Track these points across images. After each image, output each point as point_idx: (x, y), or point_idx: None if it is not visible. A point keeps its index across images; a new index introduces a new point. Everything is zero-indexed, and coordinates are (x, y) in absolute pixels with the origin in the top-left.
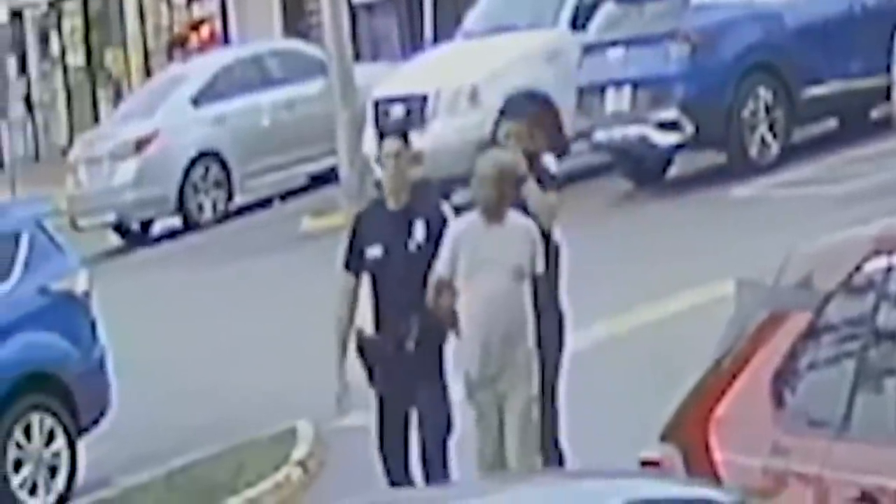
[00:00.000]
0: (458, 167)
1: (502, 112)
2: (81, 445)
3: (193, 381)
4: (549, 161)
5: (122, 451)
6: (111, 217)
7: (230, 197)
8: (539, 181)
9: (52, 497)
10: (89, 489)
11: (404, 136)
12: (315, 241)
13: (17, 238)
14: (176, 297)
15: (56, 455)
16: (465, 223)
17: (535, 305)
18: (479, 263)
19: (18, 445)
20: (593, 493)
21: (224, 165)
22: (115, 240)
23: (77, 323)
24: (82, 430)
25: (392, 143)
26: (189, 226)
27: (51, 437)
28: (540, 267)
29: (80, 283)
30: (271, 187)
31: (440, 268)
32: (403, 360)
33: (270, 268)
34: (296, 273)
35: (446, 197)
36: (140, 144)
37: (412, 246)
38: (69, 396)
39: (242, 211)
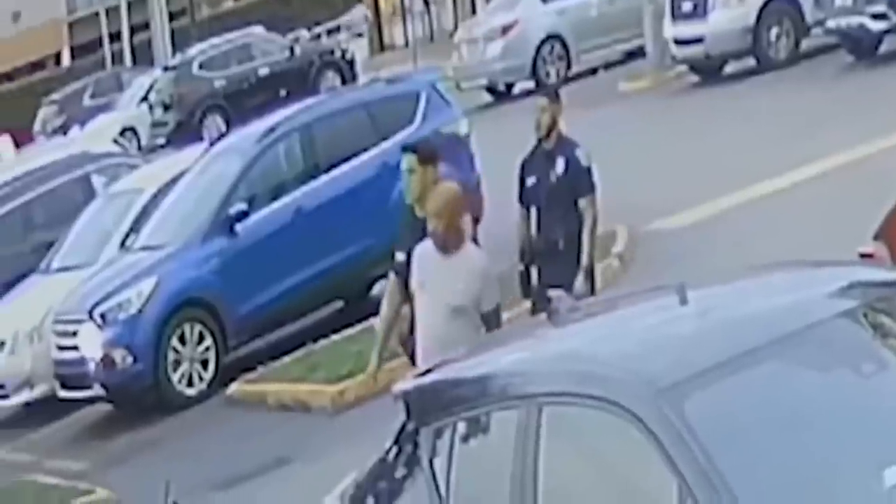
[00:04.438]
0: (729, 45)
1: (762, 8)
2: None
3: None
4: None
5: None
6: (484, 81)
7: (569, 66)
8: (567, 171)
9: None
10: None
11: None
12: (628, 98)
13: (417, 96)
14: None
15: None
16: (425, 245)
17: None
18: (424, 286)
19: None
20: (826, 276)
21: (564, 44)
22: (486, 97)
23: (461, 155)
24: None
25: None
26: (539, 86)
27: None
28: (487, 305)
29: (462, 128)
30: (597, 60)
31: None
32: (555, 256)
33: (597, 117)
34: (615, 121)
35: (721, 68)
36: (505, 30)
37: (553, 177)
38: None
39: (577, 77)
